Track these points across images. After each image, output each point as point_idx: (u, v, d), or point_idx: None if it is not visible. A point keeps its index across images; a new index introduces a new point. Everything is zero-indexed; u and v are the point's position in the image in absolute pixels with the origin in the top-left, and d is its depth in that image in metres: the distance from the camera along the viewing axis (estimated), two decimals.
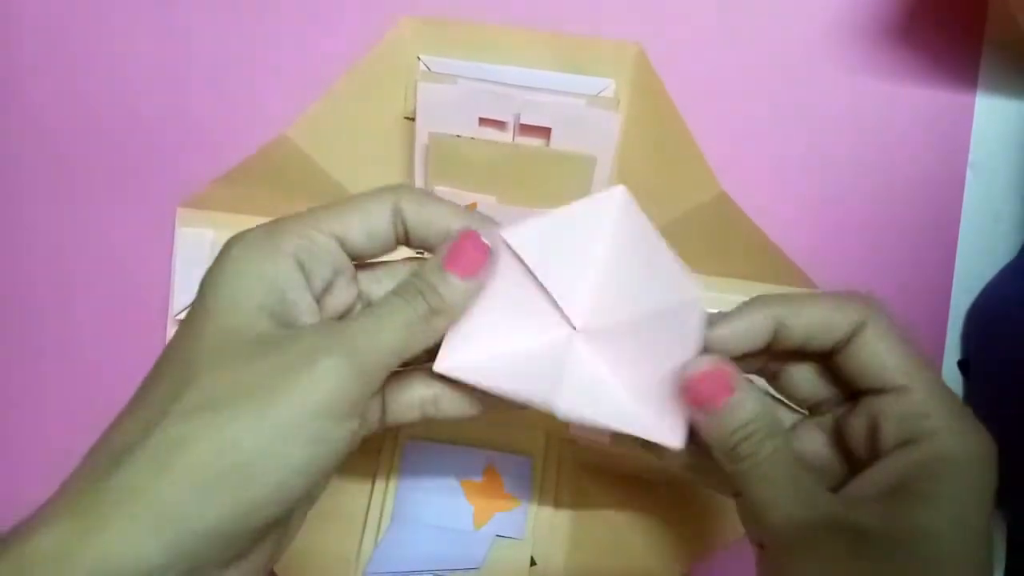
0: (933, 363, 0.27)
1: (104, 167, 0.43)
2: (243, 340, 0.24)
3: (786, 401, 0.31)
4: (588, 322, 0.29)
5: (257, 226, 0.27)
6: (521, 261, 0.29)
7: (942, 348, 0.42)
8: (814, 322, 0.27)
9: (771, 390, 0.31)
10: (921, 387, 0.27)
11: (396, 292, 0.27)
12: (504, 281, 0.29)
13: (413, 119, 0.39)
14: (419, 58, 0.40)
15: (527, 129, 0.39)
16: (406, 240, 0.28)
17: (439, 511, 0.42)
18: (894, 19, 0.40)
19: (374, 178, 0.41)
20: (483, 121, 0.39)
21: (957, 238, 0.41)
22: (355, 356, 0.24)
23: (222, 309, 0.25)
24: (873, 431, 0.27)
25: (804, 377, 0.30)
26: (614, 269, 0.29)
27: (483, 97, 0.38)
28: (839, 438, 0.29)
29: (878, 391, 0.27)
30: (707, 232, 0.40)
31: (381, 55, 0.40)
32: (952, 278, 0.42)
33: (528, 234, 0.29)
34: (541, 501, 0.42)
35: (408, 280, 0.27)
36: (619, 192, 0.29)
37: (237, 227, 0.40)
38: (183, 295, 0.42)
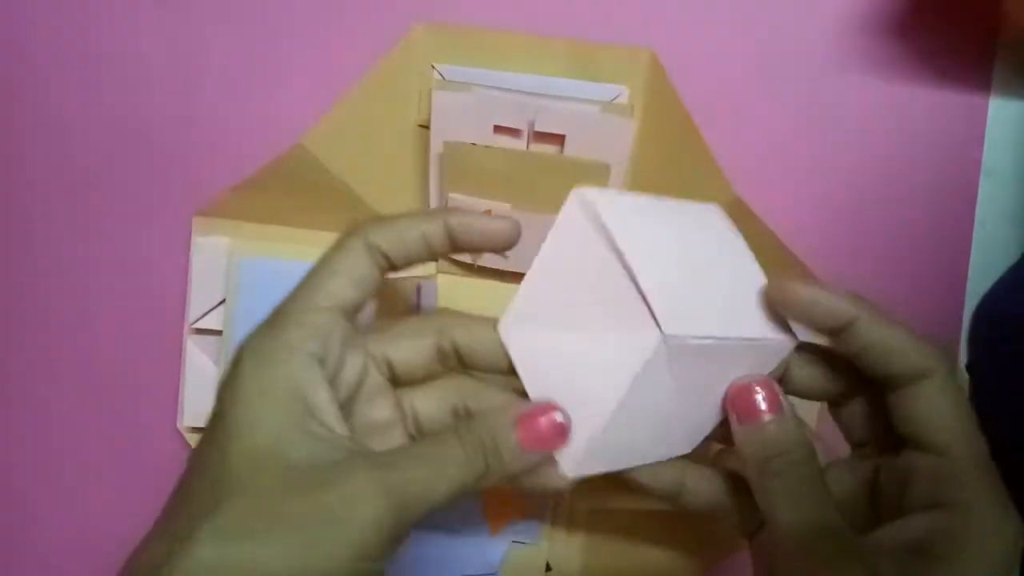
0: (979, 425, 0.27)
1: (119, 176, 0.43)
2: (274, 465, 0.24)
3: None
4: (675, 328, 0.26)
5: (261, 325, 0.27)
6: (610, 248, 0.26)
7: (956, 352, 0.42)
8: (889, 339, 0.27)
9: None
10: (964, 455, 0.26)
11: (457, 438, 0.26)
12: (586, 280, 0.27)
13: (427, 127, 0.39)
14: (433, 66, 0.40)
15: (541, 136, 0.39)
16: (390, 267, 0.29)
17: (455, 517, 0.42)
18: (907, 23, 0.40)
19: (389, 186, 0.41)
20: (497, 129, 0.39)
21: (971, 241, 0.41)
22: (402, 509, 0.24)
23: (244, 426, 0.24)
24: (905, 485, 0.27)
25: (860, 413, 0.30)
26: (714, 282, 0.28)
27: (497, 105, 0.39)
28: (873, 487, 0.29)
29: (922, 446, 0.27)
30: None
31: (395, 63, 0.40)
32: (966, 282, 0.41)
33: (627, 216, 0.27)
34: (556, 506, 0.42)
35: (472, 430, 0.26)
36: (716, 209, 0.29)
37: (252, 236, 0.41)
38: (199, 304, 0.42)
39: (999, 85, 0.41)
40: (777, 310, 0.28)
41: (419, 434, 0.30)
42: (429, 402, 0.30)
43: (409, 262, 0.29)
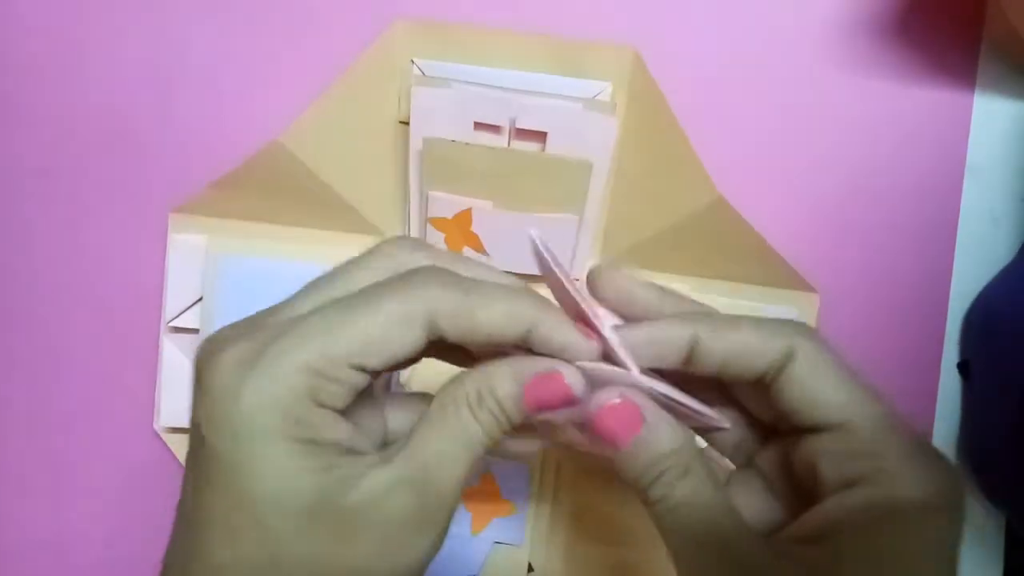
0: (880, 393, 0.24)
1: (95, 173, 0.42)
2: (321, 524, 0.23)
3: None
4: None
5: (261, 361, 0.23)
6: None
7: (940, 350, 0.42)
8: (733, 346, 0.25)
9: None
10: (864, 423, 0.24)
11: (469, 412, 0.24)
12: None
13: (407, 123, 0.39)
14: (413, 61, 0.40)
15: (523, 133, 0.39)
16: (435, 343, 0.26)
17: None
18: (891, 21, 0.40)
19: (369, 183, 0.41)
20: (478, 125, 0.38)
21: (955, 240, 0.41)
22: (445, 509, 0.24)
23: (272, 490, 0.22)
24: (813, 474, 0.25)
25: (752, 403, 0.28)
26: None
27: (478, 101, 0.38)
28: (788, 476, 0.27)
29: (814, 428, 0.25)
30: (704, 236, 0.39)
31: (374, 59, 0.39)
32: (950, 280, 0.41)
33: None
34: (539, 506, 0.42)
35: (480, 399, 0.24)
36: None
37: (230, 233, 0.41)
38: (176, 302, 0.41)
39: (983, 83, 0.41)
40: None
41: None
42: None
43: (460, 344, 0.25)
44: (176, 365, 0.42)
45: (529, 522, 0.42)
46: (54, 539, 0.44)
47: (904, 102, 0.41)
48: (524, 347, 0.25)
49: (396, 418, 0.28)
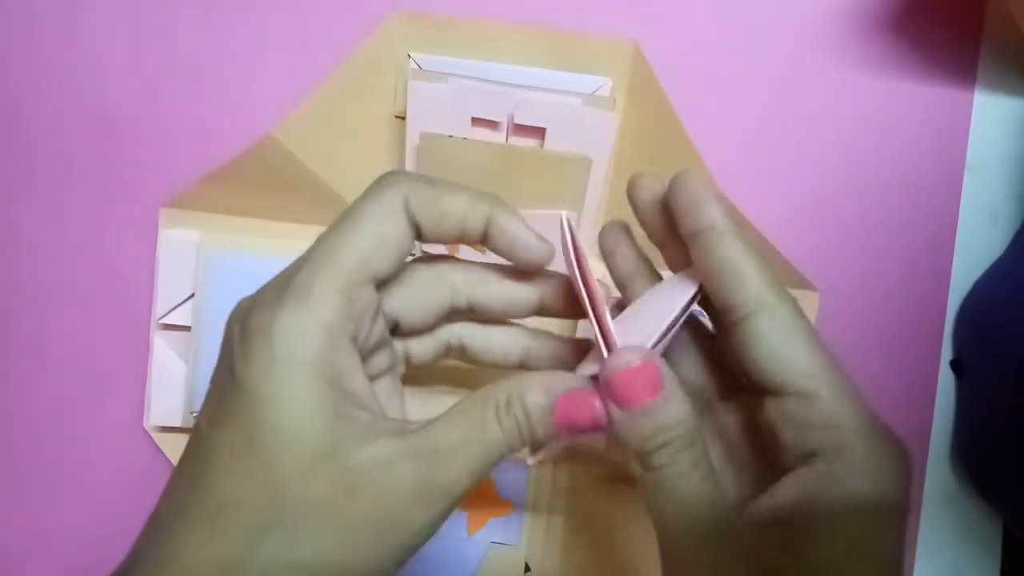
0: (840, 362, 0.25)
1: (85, 167, 0.41)
2: (325, 473, 0.23)
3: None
4: None
5: (285, 288, 0.24)
6: None
7: (939, 349, 0.41)
8: (739, 261, 0.25)
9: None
10: (828, 393, 0.24)
11: (495, 418, 0.25)
12: None
13: (403, 118, 0.38)
14: (409, 55, 0.39)
15: (521, 129, 0.38)
16: (417, 237, 0.27)
17: None
18: (892, 18, 0.40)
19: (363, 179, 0.39)
20: (476, 121, 0.38)
21: (954, 238, 0.41)
22: (446, 497, 0.24)
23: (278, 407, 0.23)
24: (775, 438, 0.25)
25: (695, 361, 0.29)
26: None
27: (476, 96, 0.37)
28: (751, 431, 0.28)
29: (779, 392, 0.25)
30: None
31: (370, 52, 0.39)
32: (949, 278, 0.41)
33: None
34: (535, 506, 0.42)
35: (508, 404, 0.25)
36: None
37: (222, 228, 0.40)
38: (167, 299, 0.41)
39: (984, 80, 0.40)
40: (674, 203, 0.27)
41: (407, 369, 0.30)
42: (421, 343, 0.30)
43: (437, 240, 0.27)
44: (167, 363, 0.41)
45: (526, 522, 0.42)
46: (42, 539, 0.43)
47: (904, 100, 0.40)
48: (484, 246, 0.27)
49: (415, 410, 0.29)
